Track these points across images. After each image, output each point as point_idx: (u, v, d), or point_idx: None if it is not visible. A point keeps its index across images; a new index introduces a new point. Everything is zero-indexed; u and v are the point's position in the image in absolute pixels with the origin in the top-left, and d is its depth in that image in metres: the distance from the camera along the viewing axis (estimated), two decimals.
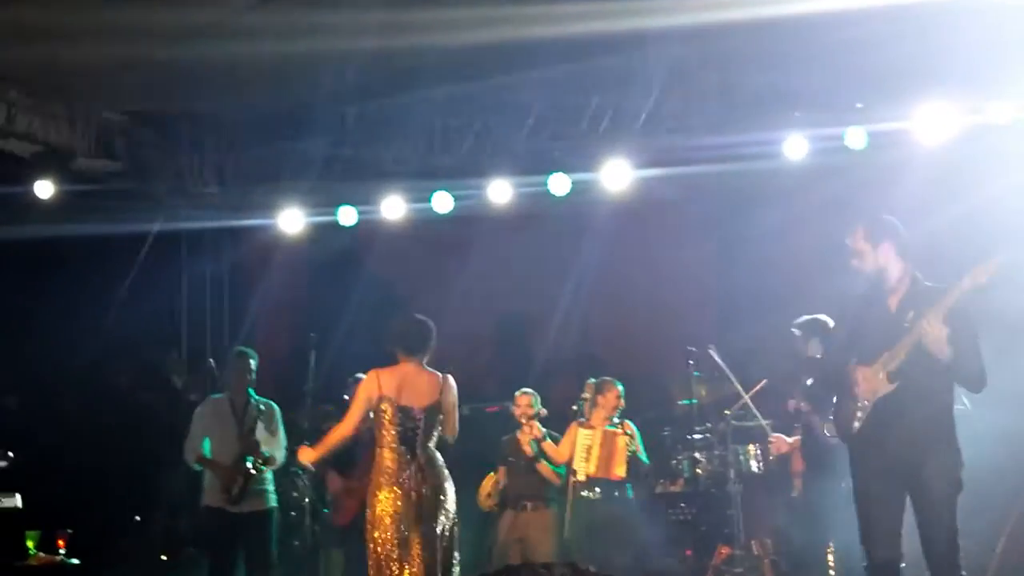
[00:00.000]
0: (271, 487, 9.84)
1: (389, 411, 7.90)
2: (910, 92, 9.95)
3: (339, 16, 9.18)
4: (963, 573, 6.52)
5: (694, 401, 10.62)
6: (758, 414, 9.80)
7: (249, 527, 9.61)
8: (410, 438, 7.93)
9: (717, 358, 9.94)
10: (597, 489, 9.99)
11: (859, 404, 6.75)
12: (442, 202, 12.11)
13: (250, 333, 11.83)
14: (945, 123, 10.01)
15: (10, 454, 9.64)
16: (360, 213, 12.52)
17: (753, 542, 9.97)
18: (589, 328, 12.47)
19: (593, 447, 10.04)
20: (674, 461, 10.98)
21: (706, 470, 10.69)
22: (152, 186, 12.04)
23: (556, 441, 10.31)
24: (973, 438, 9.18)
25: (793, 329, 9.10)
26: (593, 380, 10.31)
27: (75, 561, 10.02)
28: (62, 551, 10.00)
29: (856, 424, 6.77)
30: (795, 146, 10.66)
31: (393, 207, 12.29)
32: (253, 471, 9.54)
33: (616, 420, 10.18)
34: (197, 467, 9.88)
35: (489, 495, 10.56)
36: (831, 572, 8.86)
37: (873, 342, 6.75)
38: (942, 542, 6.50)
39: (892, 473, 6.62)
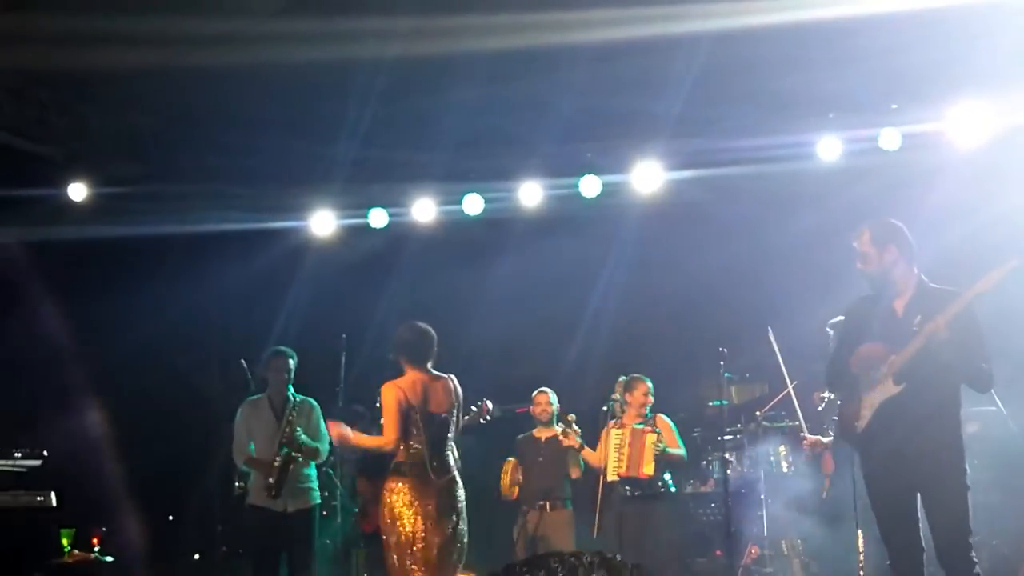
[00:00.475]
0: (315, 484, 9.84)
1: (418, 419, 8.07)
2: (944, 93, 9.96)
3: (371, 22, 9.21)
4: (977, 571, 6.51)
5: (725, 402, 10.63)
6: (798, 408, 9.69)
7: (293, 526, 9.63)
8: (439, 443, 8.15)
9: (773, 340, 9.78)
10: (629, 488, 9.97)
11: (863, 404, 6.76)
12: (473, 204, 12.15)
13: (281, 335, 11.84)
14: (979, 125, 10.01)
15: (45, 453, 9.66)
16: (391, 215, 12.58)
17: (783, 542, 9.96)
18: (619, 329, 12.46)
19: (623, 446, 10.03)
20: (704, 462, 11.02)
21: (736, 471, 10.71)
22: (183, 188, 12.09)
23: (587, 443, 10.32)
24: (1006, 438, 9.20)
25: (828, 329, 9.10)
26: (623, 378, 10.31)
27: (109, 559, 10.07)
28: (96, 549, 10.06)
29: (861, 424, 6.78)
30: (829, 148, 10.66)
31: (424, 209, 12.34)
32: (293, 457, 9.53)
33: (648, 415, 10.16)
34: (245, 469, 9.91)
35: (511, 484, 10.55)
36: (861, 572, 8.85)
37: (879, 341, 6.77)
38: (951, 542, 6.50)
39: (899, 471, 6.64)
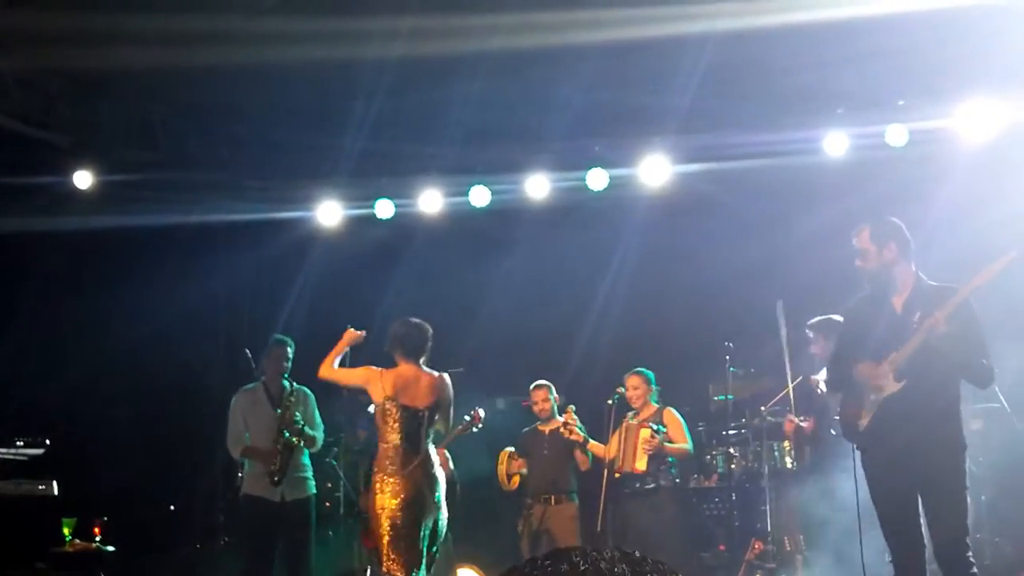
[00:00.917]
0: (310, 473, 9.85)
1: (394, 410, 8.27)
2: (952, 90, 9.93)
3: (380, 16, 9.21)
4: (974, 570, 6.51)
5: (730, 397, 10.62)
6: (792, 395, 9.62)
7: (291, 516, 9.62)
8: (414, 435, 8.31)
9: (781, 315, 9.71)
10: (626, 483, 9.95)
11: (866, 403, 6.75)
12: (480, 196, 12.14)
13: (287, 325, 11.83)
14: (986, 121, 9.97)
15: (47, 442, 9.68)
16: (397, 206, 12.56)
17: (786, 538, 9.93)
18: (625, 323, 12.44)
19: (621, 441, 10.01)
20: (708, 456, 11.00)
21: (740, 465, 10.71)
22: (191, 178, 12.08)
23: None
24: (1010, 436, 9.18)
25: (807, 330, 9.11)
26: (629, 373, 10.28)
27: (110, 548, 10.08)
28: (98, 538, 10.08)
29: (863, 422, 6.78)
30: (836, 143, 10.64)
31: (431, 201, 12.33)
32: (293, 442, 9.53)
33: (658, 406, 10.14)
34: (242, 460, 9.90)
35: (509, 476, 10.52)
36: (863, 568, 8.82)
37: (879, 342, 6.80)
38: (949, 542, 6.51)
39: (900, 469, 6.64)
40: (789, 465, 10.16)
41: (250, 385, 9.98)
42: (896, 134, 10.39)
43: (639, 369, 10.24)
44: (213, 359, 13.05)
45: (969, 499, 6.59)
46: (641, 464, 9.87)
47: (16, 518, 9.21)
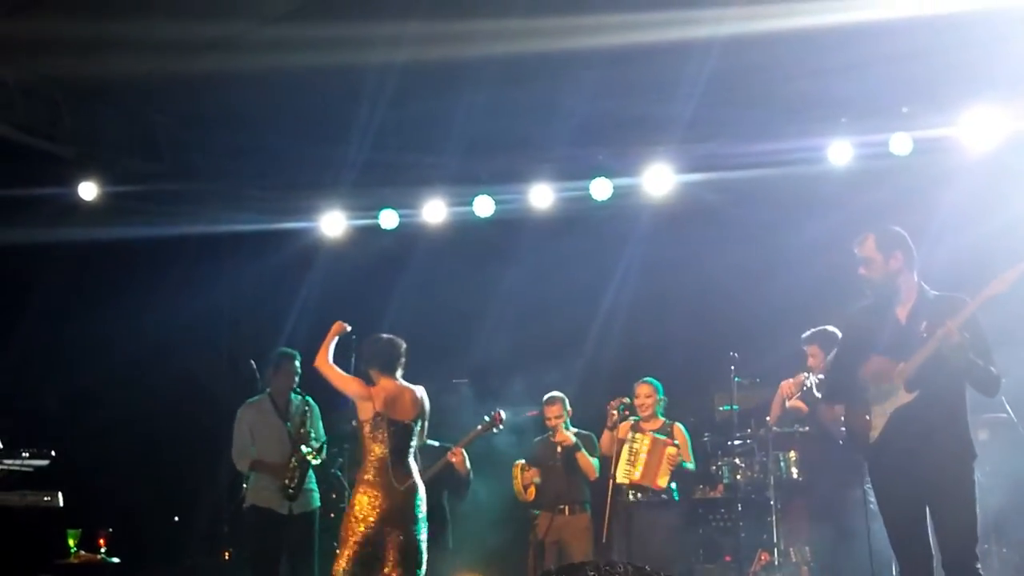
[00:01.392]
0: (315, 485, 9.87)
1: (384, 425, 8.36)
2: (956, 98, 9.91)
3: (383, 25, 9.21)
4: None
5: (735, 407, 10.58)
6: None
7: (297, 528, 9.62)
8: (402, 449, 8.44)
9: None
10: (639, 494, 9.91)
11: (872, 409, 6.72)
12: (483, 206, 12.14)
13: (292, 336, 11.82)
14: (991, 129, 9.96)
15: (52, 453, 9.66)
16: (401, 216, 12.56)
17: (791, 550, 9.89)
18: (629, 333, 12.41)
19: (641, 452, 9.93)
20: (714, 467, 10.95)
21: (746, 476, 10.65)
22: (195, 188, 12.08)
23: (590, 443, 10.22)
24: (1018, 449, 9.14)
25: (804, 346, 9.10)
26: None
27: (115, 560, 10.07)
28: (102, 550, 10.07)
29: (874, 434, 6.73)
30: (840, 152, 10.63)
31: (434, 211, 12.32)
32: (310, 458, 9.55)
33: (665, 421, 10.12)
34: (250, 473, 9.86)
35: (525, 487, 10.45)
36: None
37: (884, 352, 6.73)
38: (957, 552, 6.46)
39: (909, 480, 6.58)
40: (795, 475, 10.13)
41: (255, 398, 9.96)
42: (900, 142, 10.38)
43: (649, 378, 10.20)
44: (217, 370, 13.03)
45: (978, 509, 6.56)
46: (663, 481, 9.80)
47: (21, 529, 9.19)
